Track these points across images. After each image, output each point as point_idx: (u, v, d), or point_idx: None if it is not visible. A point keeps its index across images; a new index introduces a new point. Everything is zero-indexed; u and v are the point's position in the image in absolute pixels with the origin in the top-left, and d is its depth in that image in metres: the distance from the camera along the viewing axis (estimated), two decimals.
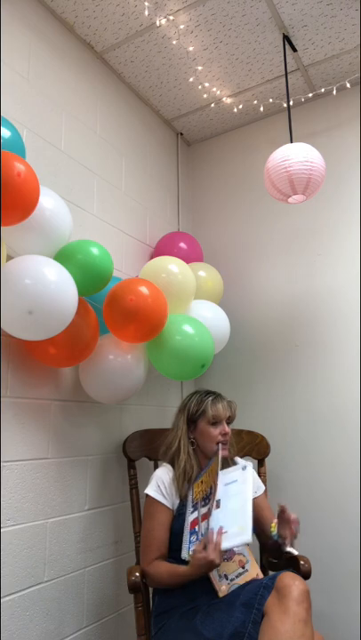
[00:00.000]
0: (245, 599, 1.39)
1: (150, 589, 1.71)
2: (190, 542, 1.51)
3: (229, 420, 1.73)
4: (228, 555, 1.55)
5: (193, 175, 2.83)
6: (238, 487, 1.53)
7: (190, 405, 1.74)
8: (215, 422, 1.69)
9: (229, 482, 1.57)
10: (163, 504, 1.62)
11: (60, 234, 1.58)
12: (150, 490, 1.65)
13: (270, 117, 2.60)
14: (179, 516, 1.60)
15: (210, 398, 1.72)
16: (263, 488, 1.82)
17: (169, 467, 1.70)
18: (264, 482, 1.99)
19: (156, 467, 1.97)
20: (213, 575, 1.50)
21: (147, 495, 1.65)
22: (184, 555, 1.50)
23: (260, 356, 2.40)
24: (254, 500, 1.76)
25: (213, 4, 1.96)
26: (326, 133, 2.41)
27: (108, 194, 2.17)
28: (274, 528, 1.58)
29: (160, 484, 1.65)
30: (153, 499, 1.63)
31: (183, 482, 1.64)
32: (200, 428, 1.70)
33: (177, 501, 1.63)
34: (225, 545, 1.39)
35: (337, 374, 2.19)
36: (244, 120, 2.65)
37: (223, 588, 1.48)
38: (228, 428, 1.70)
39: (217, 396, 1.73)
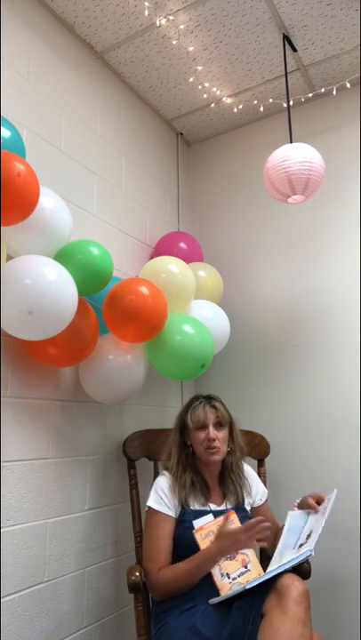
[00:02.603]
0: (245, 599, 1.40)
1: None
2: None
3: (220, 423, 1.70)
4: (232, 554, 1.55)
5: (193, 175, 2.83)
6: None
7: (182, 413, 1.76)
8: (200, 427, 1.68)
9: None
10: (166, 514, 1.61)
11: (60, 234, 1.58)
12: (152, 502, 1.64)
13: (270, 117, 2.60)
14: (181, 522, 1.60)
15: (194, 404, 1.73)
16: (266, 493, 1.82)
17: (168, 475, 1.70)
18: (264, 482, 1.99)
19: (156, 467, 1.97)
20: (215, 573, 1.50)
21: (149, 507, 1.64)
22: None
23: (260, 355, 2.40)
24: (258, 508, 1.77)
25: (213, 3, 1.96)
26: (326, 133, 2.41)
27: (108, 194, 2.17)
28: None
29: (161, 494, 1.64)
30: (156, 510, 1.62)
31: (179, 490, 1.64)
32: (190, 434, 1.71)
33: (179, 508, 1.63)
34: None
35: (337, 374, 2.19)
36: (244, 120, 2.65)
37: (225, 587, 1.49)
38: (213, 433, 1.66)
39: (202, 401, 1.72)
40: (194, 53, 2.19)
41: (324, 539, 2.12)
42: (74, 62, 2.07)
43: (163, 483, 1.68)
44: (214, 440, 1.66)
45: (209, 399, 1.74)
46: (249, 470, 1.84)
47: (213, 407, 1.71)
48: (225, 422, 1.71)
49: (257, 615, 1.34)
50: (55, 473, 1.73)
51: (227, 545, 1.47)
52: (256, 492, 1.79)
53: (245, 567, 1.56)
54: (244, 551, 1.58)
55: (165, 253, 2.17)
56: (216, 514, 1.62)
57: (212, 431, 1.67)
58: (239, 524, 1.60)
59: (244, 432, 2.08)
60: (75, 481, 1.80)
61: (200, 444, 1.67)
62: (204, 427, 1.68)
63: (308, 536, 1.51)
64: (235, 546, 1.47)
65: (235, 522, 1.60)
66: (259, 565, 1.59)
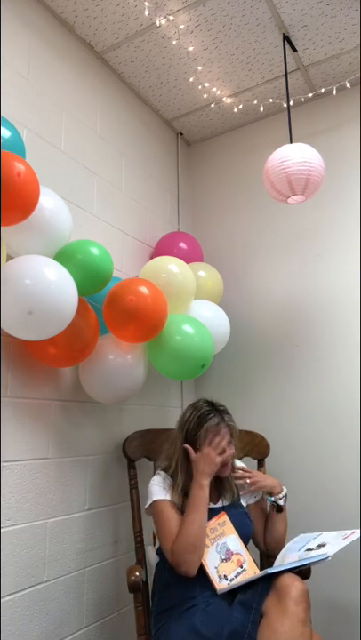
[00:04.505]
0: (244, 599, 1.40)
1: (150, 589, 1.71)
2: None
3: (231, 440, 1.66)
4: (227, 555, 1.56)
5: (193, 175, 2.83)
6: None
7: (189, 426, 1.66)
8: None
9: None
10: (171, 500, 1.59)
11: (60, 234, 1.58)
12: (155, 495, 1.61)
13: (270, 117, 2.60)
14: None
15: (208, 421, 1.63)
16: (260, 492, 1.83)
17: (163, 473, 1.69)
18: None
19: (155, 467, 1.97)
20: (214, 576, 1.50)
21: (154, 502, 1.60)
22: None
23: (260, 355, 2.40)
24: (255, 505, 1.78)
25: (213, 3, 1.96)
26: (326, 133, 2.41)
27: (108, 194, 2.17)
28: (266, 493, 1.75)
29: (162, 485, 1.63)
30: (161, 500, 1.59)
31: (181, 497, 1.61)
32: (200, 449, 1.64)
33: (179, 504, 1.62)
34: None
35: (337, 374, 2.19)
36: (244, 120, 2.65)
37: (222, 587, 1.49)
38: (229, 450, 1.64)
39: (215, 415, 1.65)
40: (194, 53, 2.19)
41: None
42: (74, 62, 2.07)
43: (160, 479, 1.66)
44: (227, 457, 1.65)
45: (221, 413, 1.67)
46: (243, 466, 1.85)
47: (228, 425, 1.66)
48: (235, 436, 1.69)
49: (257, 615, 1.34)
50: (55, 473, 1.73)
51: (200, 466, 1.58)
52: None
53: (241, 567, 1.56)
54: (239, 551, 1.59)
55: (165, 253, 2.17)
56: (213, 511, 1.62)
57: (229, 448, 1.65)
58: (230, 525, 1.61)
59: (244, 432, 2.08)
60: (75, 481, 1.80)
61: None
62: None
63: (321, 545, 1.51)
64: (205, 462, 1.58)
65: (226, 522, 1.61)
66: (254, 564, 1.60)
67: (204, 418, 1.65)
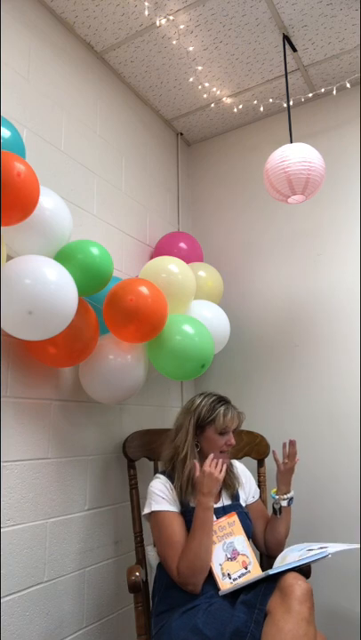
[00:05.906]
0: (247, 598, 1.40)
1: (150, 589, 1.71)
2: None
3: (235, 430, 1.71)
4: (233, 554, 1.56)
5: (193, 175, 2.83)
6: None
7: (201, 410, 1.69)
8: (223, 433, 1.67)
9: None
10: (173, 512, 1.59)
11: (60, 234, 1.58)
12: (154, 506, 1.60)
13: (270, 117, 2.60)
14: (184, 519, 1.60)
15: (222, 408, 1.68)
16: (259, 493, 1.83)
17: (163, 477, 1.68)
18: (264, 482, 1.99)
19: (155, 467, 1.97)
20: (217, 574, 1.50)
21: (153, 512, 1.60)
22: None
23: (259, 355, 2.40)
24: (253, 505, 1.78)
25: (213, 4, 1.96)
26: (326, 133, 2.41)
27: (108, 194, 2.17)
28: (274, 491, 1.75)
29: (161, 494, 1.62)
30: (161, 512, 1.59)
31: (187, 487, 1.62)
32: (206, 434, 1.68)
33: (180, 505, 1.62)
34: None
35: (337, 374, 2.19)
36: (244, 120, 2.65)
37: (225, 586, 1.49)
38: (233, 440, 1.69)
39: (228, 406, 1.70)
40: (194, 53, 2.19)
41: (325, 539, 2.12)
42: (74, 62, 2.07)
43: (160, 485, 1.65)
44: (231, 445, 1.68)
45: (229, 403, 1.73)
46: (242, 467, 1.86)
47: (238, 415, 1.71)
48: (240, 426, 1.74)
49: (260, 614, 1.34)
50: (55, 473, 1.73)
51: (205, 487, 1.54)
52: (250, 488, 1.81)
53: (245, 568, 1.57)
54: (245, 553, 1.59)
55: (165, 253, 2.17)
56: (215, 512, 1.62)
57: (232, 437, 1.69)
58: (240, 526, 1.62)
59: (244, 432, 2.09)
60: (75, 481, 1.80)
61: (217, 447, 1.66)
62: (227, 432, 1.68)
63: (322, 548, 1.51)
64: (209, 482, 1.54)
65: (235, 522, 1.61)
66: (258, 567, 1.60)
67: (217, 403, 1.70)
